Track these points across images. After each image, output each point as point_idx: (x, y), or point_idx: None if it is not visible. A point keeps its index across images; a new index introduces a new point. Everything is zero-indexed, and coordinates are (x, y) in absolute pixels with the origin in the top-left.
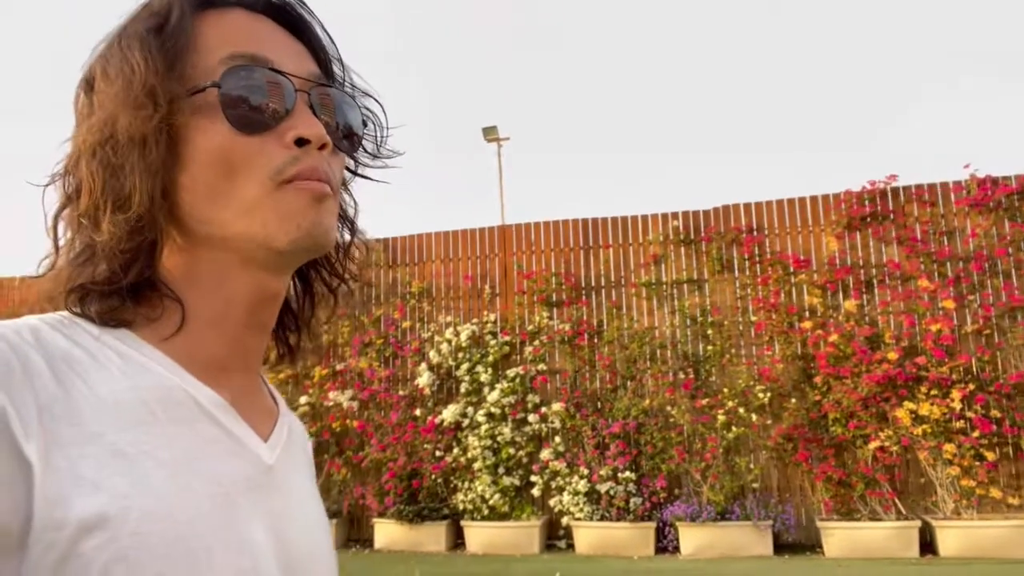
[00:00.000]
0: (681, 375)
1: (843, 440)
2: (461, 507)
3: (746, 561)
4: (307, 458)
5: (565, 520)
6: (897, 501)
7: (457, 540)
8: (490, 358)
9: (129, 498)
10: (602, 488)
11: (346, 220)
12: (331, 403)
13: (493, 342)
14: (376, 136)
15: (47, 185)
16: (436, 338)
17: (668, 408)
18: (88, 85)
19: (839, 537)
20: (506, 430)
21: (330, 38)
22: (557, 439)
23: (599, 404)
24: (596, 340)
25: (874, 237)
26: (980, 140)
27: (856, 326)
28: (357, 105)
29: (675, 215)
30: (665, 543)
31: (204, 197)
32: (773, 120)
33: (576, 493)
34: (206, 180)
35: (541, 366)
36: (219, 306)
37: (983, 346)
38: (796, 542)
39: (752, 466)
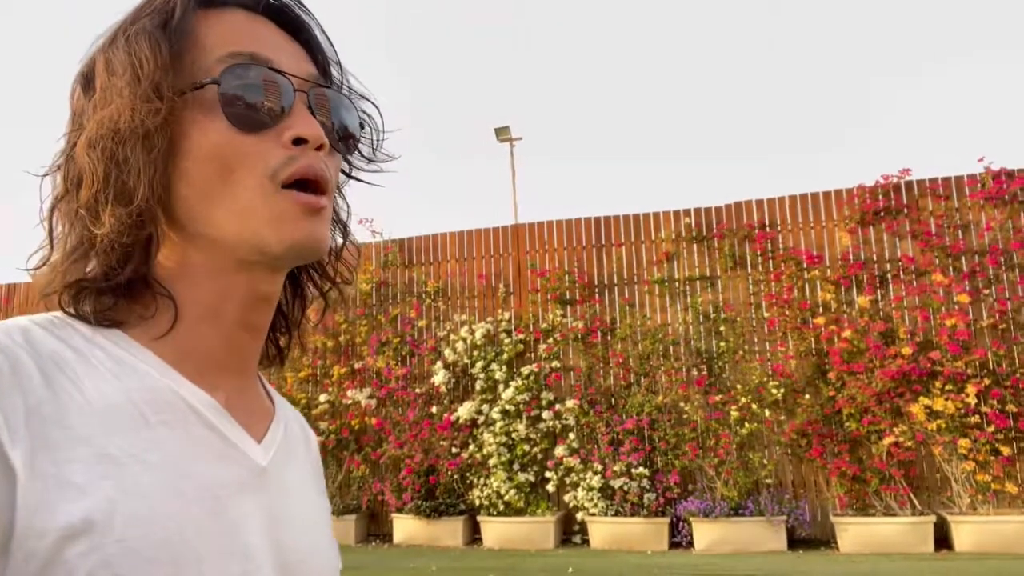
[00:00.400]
0: (694, 371)
1: (857, 436)
2: (477, 503)
3: (760, 556)
4: (310, 457)
5: (580, 515)
6: (912, 496)
7: (474, 535)
8: (504, 356)
9: (115, 503)
10: (616, 484)
11: (338, 224)
12: (350, 401)
13: (507, 340)
14: (372, 139)
15: (44, 176)
16: (451, 336)
17: (681, 404)
18: (86, 79)
19: (853, 532)
20: (521, 427)
21: (329, 40)
22: (571, 436)
23: (612, 401)
24: (609, 337)
25: (887, 232)
26: (995, 132)
27: (870, 321)
28: (354, 107)
29: (687, 212)
30: (679, 538)
31: (199, 194)
32: (783, 121)
33: (590, 489)
34: (202, 177)
35: (555, 363)
36: (213, 304)
37: (999, 340)
38: (810, 537)
39: (766, 462)
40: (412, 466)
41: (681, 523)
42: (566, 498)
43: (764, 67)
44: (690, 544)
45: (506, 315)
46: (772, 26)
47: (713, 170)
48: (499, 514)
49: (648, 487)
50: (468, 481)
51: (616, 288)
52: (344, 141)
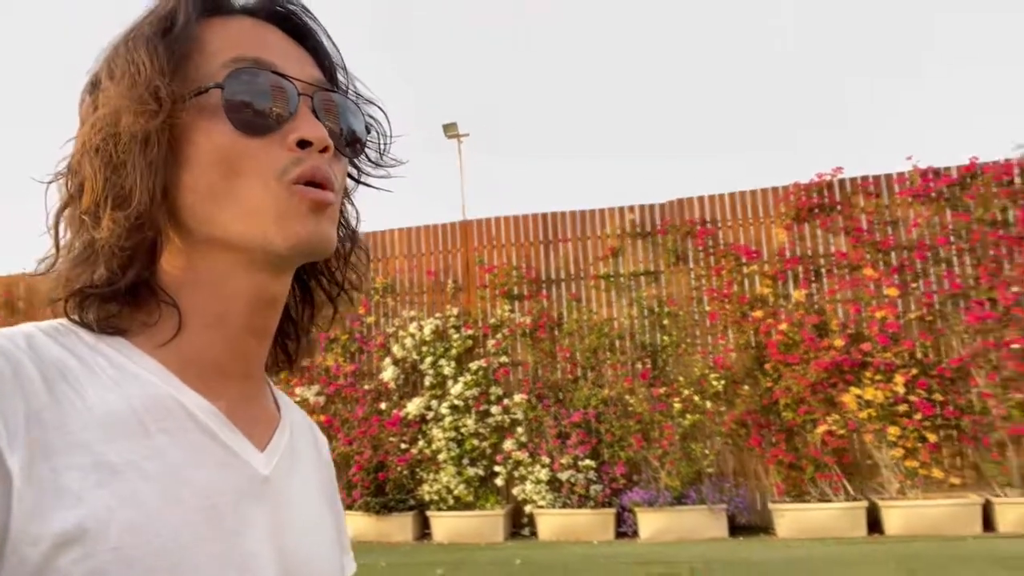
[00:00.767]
0: (639, 365)
1: (793, 425)
2: (427, 498)
3: (701, 544)
4: (320, 463)
5: (528, 508)
6: (845, 483)
7: (424, 530)
8: (453, 351)
9: (112, 511)
10: (563, 476)
11: (347, 229)
12: (297, 399)
13: (456, 336)
14: (379, 143)
15: (50, 183)
16: (400, 333)
17: (627, 397)
18: (92, 87)
19: (790, 518)
20: (470, 422)
21: (335, 46)
22: (519, 430)
23: (560, 395)
24: (556, 332)
25: (821, 228)
26: (924, 132)
27: (805, 315)
28: (360, 112)
29: (631, 209)
30: (625, 528)
31: (205, 197)
32: (724, 120)
33: (538, 482)
34: (208, 180)
35: (503, 358)
36: (218, 308)
37: (926, 332)
38: (750, 524)
39: (707, 452)
40: (361, 463)
41: (627, 513)
42: (515, 491)
43: (718, 67)
44: (635, 533)
45: (455, 311)
46: (722, 30)
47: (661, 168)
48: (449, 509)
49: (595, 479)
50: (417, 477)
51: (563, 283)
52: (351, 145)
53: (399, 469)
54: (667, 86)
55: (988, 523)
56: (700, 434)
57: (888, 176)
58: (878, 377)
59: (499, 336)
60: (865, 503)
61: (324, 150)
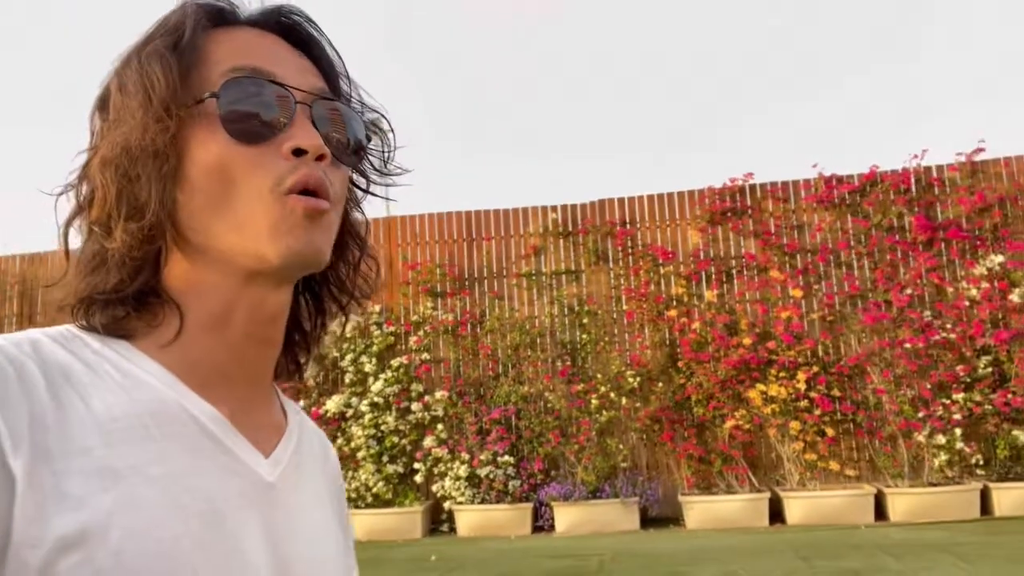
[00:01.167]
0: (558, 363)
1: (704, 420)
2: (345, 496)
3: (614, 536)
4: (327, 473)
5: (447, 504)
6: (750, 475)
7: None
8: (375, 348)
9: (112, 516)
10: (482, 472)
11: (355, 237)
12: None
13: (378, 332)
14: (382, 152)
15: (60, 195)
16: None
17: (546, 394)
18: (102, 102)
19: (698, 510)
20: (390, 419)
21: (339, 55)
22: (440, 426)
23: (481, 391)
24: (478, 329)
25: (733, 231)
26: (833, 140)
27: (716, 314)
28: (362, 121)
29: (554, 208)
30: (542, 522)
31: (202, 207)
32: (645, 121)
33: (458, 478)
34: (204, 190)
35: (425, 355)
36: (219, 315)
37: (826, 331)
38: (661, 516)
39: (622, 447)
40: None
41: (544, 507)
42: (434, 488)
43: (644, 67)
44: (552, 527)
45: (376, 307)
46: (646, 31)
47: (580, 168)
48: (367, 506)
49: (513, 474)
50: None
51: (486, 281)
52: (355, 154)
53: None
54: (591, 86)
55: (881, 512)
56: (616, 430)
57: (795, 182)
58: (782, 374)
59: (421, 333)
60: (768, 494)
61: (320, 158)
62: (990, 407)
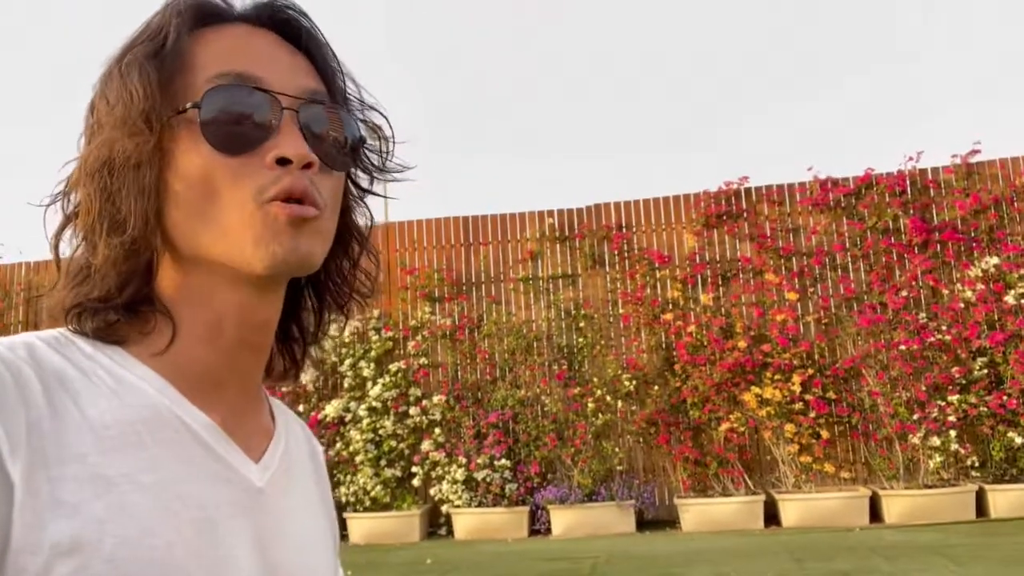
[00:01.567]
0: (555, 366)
1: (699, 423)
2: (344, 499)
3: (610, 538)
4: (316, 473)
5: (445, 508)
6: (746, 478)
7: (341, 532)
8: (373, 353)
9: (105, 523)
10: (479, 476)
11: (355, 236)
12: None
13: (376, 337)
14: (380, 150)
15: (48, 205)
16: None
17: (543, 398)
18: (91, 111)
19: (694, 513)
20: (388, 423)
21: (333, 52)
22: (437, 430)
23: (478, 395)
24: (476, 334)
25: (728, 234)
26: (833, 140)
27: (711, 317)
28: (358, 120)
29: (551, 213)
30: (538, 525)
31: (188, 218)
32: (645, 121)
33: (455, 482)
34: (190, 201)
35: (423, 360)
36: (210, 322)
37: (821, 334)
38: (657, 519)
39: (618, 450)
40: None
41: (540, 511)
42: (432, 491)
43: (644, 66)
44: (548, 530)
45: (375, 312)
46: (643, 32)
47: (587, 167)
48: (366, 510)
49: (510, 478)
50: (335, 478)
51: (483, 286)
52: (350, 155)
53: None
54: (591, 86)
55: (876, 514)
56: (612, 433)
57: (791, 185)
58: (777, 377)
59: (419, 338)
60: (763, 497)
61: (307, 166)
62: (985, 409)
